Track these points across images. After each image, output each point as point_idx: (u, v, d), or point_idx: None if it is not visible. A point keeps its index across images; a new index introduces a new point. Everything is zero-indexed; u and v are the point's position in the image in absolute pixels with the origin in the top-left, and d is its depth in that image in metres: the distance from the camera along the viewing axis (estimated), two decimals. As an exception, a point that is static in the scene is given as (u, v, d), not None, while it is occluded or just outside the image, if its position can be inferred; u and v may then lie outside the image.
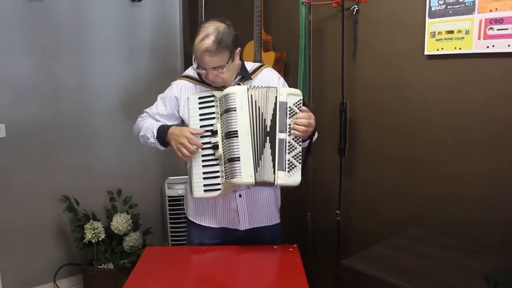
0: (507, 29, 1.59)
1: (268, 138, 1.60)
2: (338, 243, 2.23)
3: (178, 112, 1.78)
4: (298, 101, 1.63)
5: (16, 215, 2.63)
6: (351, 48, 2.10)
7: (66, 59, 2.72)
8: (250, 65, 1.80)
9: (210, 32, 1.57)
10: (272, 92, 1.62)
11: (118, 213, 2.72)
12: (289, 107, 1.61)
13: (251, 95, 1.60)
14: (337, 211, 2.20)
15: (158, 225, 3.19)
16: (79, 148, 2.83)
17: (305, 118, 1.61)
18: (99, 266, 2.67)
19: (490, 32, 1.64)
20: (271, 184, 1.59)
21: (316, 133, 1.76)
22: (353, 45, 2.09)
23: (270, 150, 1.59)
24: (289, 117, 1.61)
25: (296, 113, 1.62)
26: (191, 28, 3.16)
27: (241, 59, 1.77)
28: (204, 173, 1.64)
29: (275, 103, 1.61)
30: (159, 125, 1.75)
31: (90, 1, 2.77)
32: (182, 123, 1.80)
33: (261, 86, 1.65)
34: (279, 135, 1.59)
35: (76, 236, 2.68)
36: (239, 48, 1.68)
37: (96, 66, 2.84)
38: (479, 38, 1.67)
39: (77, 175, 2.83)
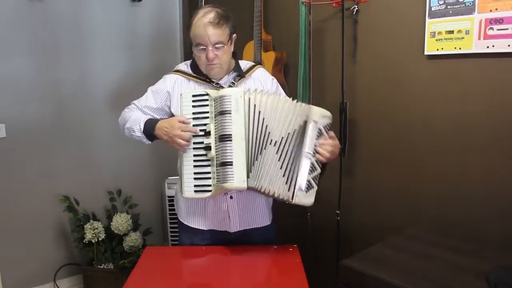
0: (507, 29, 1.59)
1: (267, 145, 1.55)
2: (338, 243, 2.23)
3: (170, 108, 1.74)
4: (328, 124, 1.58)
5: (16, 215, 2.63)
6: (351, 48, 2.10)
7: (66, 59, 2.72)
8: (243, 64, 1.78)
9: (209, 10, 1.62)
10: (302, 108, 1.56)
11: (118, 213, 2.73)
12: (319, 128, 1.56)
13: (249, 98, 1.57)
14: (337, 211, 2.20)
15: (158, 225, 3.19)
16: (79, 148, 2.84)
17: (331, 145, 1.57)
18: (99, 266, 2.68)
19: (490, 32, 1.64)
20: (285, 200, 1.54)
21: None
22: (353, 45, 2.09)
23: (279, 163, 1.54)
24: (317, 139, 1.56)
25: (323, 135, 1.57)
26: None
27: (235, 57, 1.76)
28: (195, 173, 1.60)
29: (306, 121, 1.55)
30: (146, 119, 1.71)
31: (90, 1, 2.77)
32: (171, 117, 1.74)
33: (269, 92, 1.62)
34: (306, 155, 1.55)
35: (76, 236, 2.68)
36: (235, 35, 1.68)
37: (96, 66, 2.84)
38: (479, 38, 1.67)
39: (77, 175, 2.83)
